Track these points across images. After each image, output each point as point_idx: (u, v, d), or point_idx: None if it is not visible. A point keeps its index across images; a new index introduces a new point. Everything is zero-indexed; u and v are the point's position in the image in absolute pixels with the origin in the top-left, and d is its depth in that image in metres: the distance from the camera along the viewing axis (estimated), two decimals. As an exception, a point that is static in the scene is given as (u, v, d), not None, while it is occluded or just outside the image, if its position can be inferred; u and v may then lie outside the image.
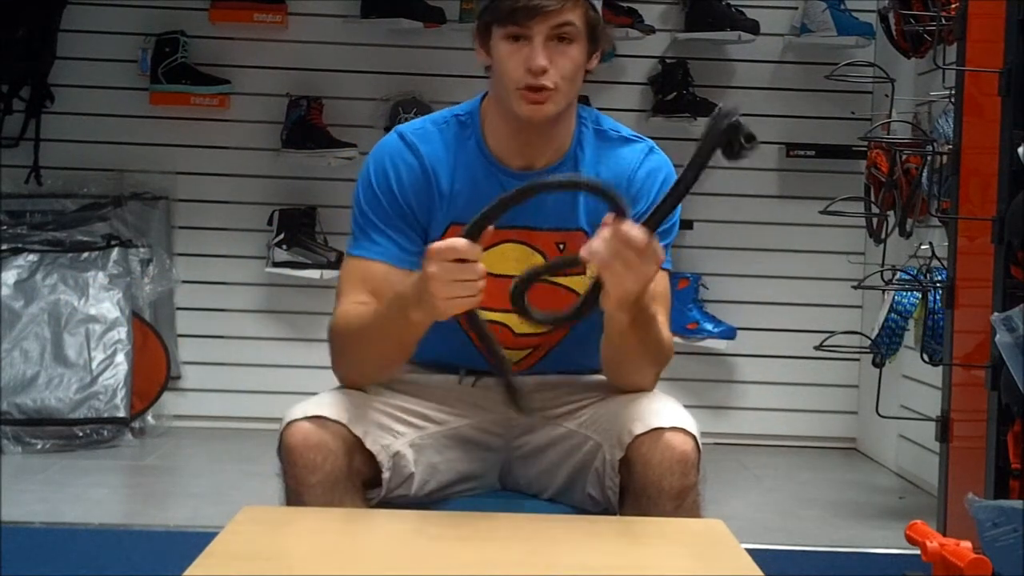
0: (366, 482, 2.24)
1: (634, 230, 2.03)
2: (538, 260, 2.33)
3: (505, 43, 2.24)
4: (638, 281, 2.07)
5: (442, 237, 2.29)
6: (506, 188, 2.30)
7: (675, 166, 2.27)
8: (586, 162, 2.35)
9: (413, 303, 2.13)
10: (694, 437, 2.20)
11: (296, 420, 2.19)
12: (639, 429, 2.19)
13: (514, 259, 2.33)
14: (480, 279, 2.07)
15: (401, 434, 2.30)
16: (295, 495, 2.17)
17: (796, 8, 5.07)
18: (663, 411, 2.23)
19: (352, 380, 2.31)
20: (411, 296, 2.13)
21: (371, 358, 2.28)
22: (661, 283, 2.30)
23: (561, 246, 2.34)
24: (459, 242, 2.06)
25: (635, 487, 2.19)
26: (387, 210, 2.32)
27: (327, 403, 2.23)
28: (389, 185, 2.33)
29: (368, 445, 2.22)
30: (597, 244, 2.05)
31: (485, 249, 2.30)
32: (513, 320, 2.23)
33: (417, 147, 2.34)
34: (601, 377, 2.40)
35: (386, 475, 2.25)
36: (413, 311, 2.14)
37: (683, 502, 2.16)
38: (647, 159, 2.37)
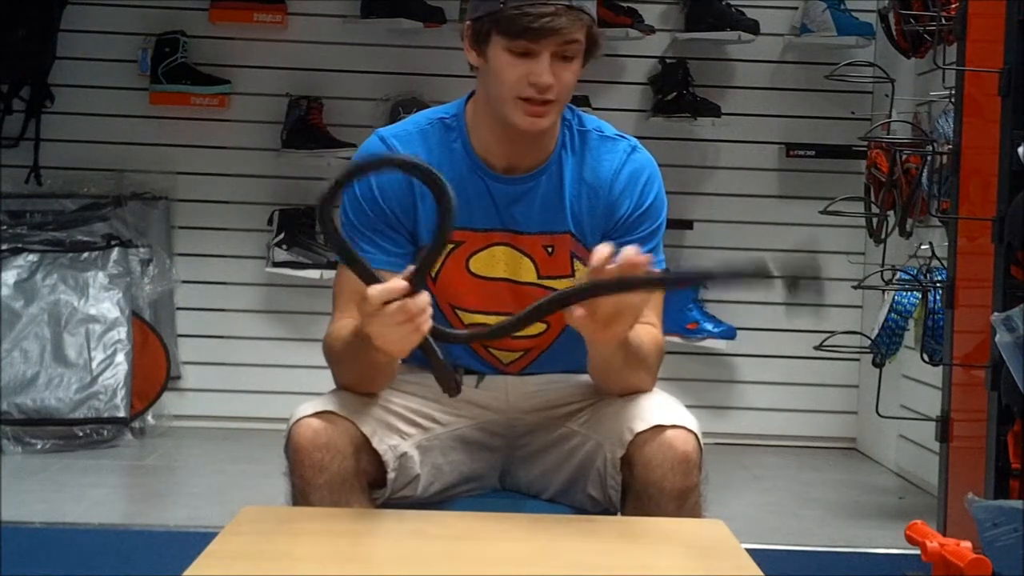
0: (372, 482, 2.24)
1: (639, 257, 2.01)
2: (527, 263, 2.34)
3: (507, 54, 2.22)
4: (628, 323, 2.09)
5: None
6: (491, 191, 2.31)
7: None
8: (568, 164, 2.34)
9: (369, 344, 2.11)
10: (696, 436, 2.19)
11: (305, 417, 2.19)
12: (640, 427, 2.19)
13: (504, 262, 2.34)
14: (420, 313, 2.01)
15: (408, 435, 2.30)
16: (301, 495, 2.17)
17: (796, 8, 5.06)
18: (664, 409, 2.22)
19: (348, 390, 2.30)
20: (366, 337, 2.10)
21: (355, 379, 2.27)
22: None
23: (549, 249, 2.33)
24: (384, 288, 2.00)
25: (636, 487, 2.18)
26: (371, 216, 2.31)
27: (336, 400, 2.23)
28: (371, 191, 2.31)
29: (375, 445, 2.22)
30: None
31: (476, 252, 2.31)
32: None
33: (397, 151, 2.33)
34: (600, 377, 2.39)
35: (391, 475, 2.25)
36: (372, 351, 2.12)
37: (685, 503, 2.15)
38: (630, 159, 2.36)
